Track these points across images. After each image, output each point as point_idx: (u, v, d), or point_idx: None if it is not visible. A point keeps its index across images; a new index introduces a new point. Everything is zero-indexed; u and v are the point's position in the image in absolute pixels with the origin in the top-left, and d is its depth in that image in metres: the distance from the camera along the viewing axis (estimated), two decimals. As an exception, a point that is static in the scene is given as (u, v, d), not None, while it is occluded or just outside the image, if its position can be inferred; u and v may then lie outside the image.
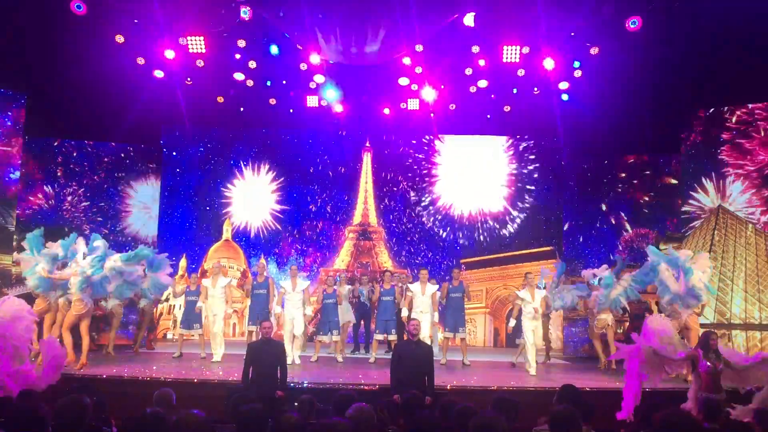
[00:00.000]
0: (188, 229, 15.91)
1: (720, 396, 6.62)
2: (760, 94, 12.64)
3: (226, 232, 15.97)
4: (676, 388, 7.26)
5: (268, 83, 14.24)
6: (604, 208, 14.91)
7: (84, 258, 9.80)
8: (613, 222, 14.83)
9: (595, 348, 11.52)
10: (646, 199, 14.63)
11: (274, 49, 13.22)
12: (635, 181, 14.73)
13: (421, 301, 10.87)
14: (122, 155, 15.16)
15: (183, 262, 15.42)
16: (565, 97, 13.74)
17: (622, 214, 14.75)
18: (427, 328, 10.64)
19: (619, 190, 14.84)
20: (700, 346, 6.88)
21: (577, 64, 13.14)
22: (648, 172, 14.72)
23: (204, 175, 16.06)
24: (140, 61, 13.15)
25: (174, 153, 15.96)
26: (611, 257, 13.31)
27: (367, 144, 16.44)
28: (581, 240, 15.01)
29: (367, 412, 4.11)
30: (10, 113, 13.39)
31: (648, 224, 14.49)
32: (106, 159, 15.02)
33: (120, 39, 12.52)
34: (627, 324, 13.52)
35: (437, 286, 11.27)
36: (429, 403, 6.40)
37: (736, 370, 6.82)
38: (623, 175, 14.87)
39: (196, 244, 15.89)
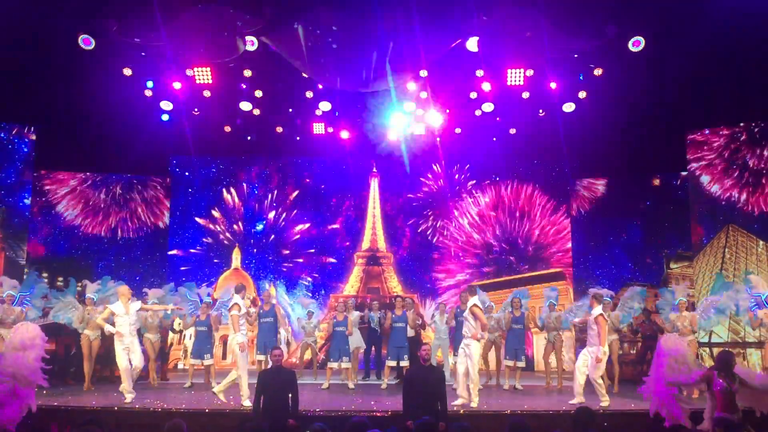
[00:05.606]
0: (198, 257, 15.93)
1: (736, 416, 6.53)
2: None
3: (236, 261, 15.97)
4: (694, 409, 7.15)
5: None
6: (612, 228, 14.86)
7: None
8: (623, 242, 14.75)
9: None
10: (656, 218, 14.54)
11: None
12: (645, 201, 14.67)
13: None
14: (131, 186, 15.26)
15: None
16: (570, 110, 13.71)
17: (632, 234, 14.66)
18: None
19: (628, 210, 14.78)
20: (717, 366, 6.77)
21: (581, 76, 13.15)
22: (656, 192, 14.67)
23: (213, 202, 16.12)
24: (148, 92, 13.31)
25: (183, 181, 16.07)
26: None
27: (374, 170, 16.48)
28: (591, 260, 14.94)
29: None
30: (20, 146, 13.53)
31: (658, 244, 14.41)
32: (115, 190, 15.11)
33: (128, 71, 12.70)
34: (640, 344, 13.41)
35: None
36: (443, 429, 6.34)
37: (754, 391, 6.71)
38: (632, 195, 14.82)
39: (206, 271, 15.91)
